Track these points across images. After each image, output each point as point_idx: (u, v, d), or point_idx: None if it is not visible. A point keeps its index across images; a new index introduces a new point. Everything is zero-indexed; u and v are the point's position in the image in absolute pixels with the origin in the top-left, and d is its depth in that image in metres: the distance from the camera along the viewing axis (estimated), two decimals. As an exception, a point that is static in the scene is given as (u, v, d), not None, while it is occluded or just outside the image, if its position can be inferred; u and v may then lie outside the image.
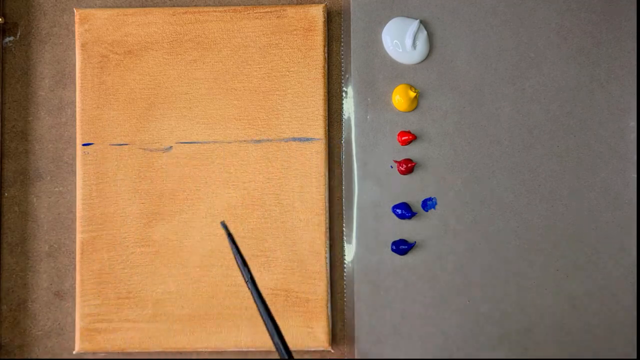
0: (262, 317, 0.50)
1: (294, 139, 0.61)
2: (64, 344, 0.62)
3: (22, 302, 0.62)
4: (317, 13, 0.61)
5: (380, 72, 0.62)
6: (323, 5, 0.61)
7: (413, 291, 0.61)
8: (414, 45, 0.61)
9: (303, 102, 0.61)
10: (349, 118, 0.62)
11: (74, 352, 0.61)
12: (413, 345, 0.60)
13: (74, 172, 0.62)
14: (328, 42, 0.63)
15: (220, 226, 0.52)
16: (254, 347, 0.60)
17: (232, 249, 0.51)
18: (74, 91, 0.63)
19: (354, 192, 0.61)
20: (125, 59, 0.61)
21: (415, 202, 0.61)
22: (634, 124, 0.61)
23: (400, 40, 0.61)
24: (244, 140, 0.61)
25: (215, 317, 0.60)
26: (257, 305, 0.50)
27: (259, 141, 0.61)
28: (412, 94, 0.61)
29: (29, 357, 0.62)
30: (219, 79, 0.61)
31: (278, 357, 0.61)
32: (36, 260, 0.62)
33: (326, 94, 0.61)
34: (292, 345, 0.60)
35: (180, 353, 0.62)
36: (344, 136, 0.62)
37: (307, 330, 0.60)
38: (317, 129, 0.61)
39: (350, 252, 0.61)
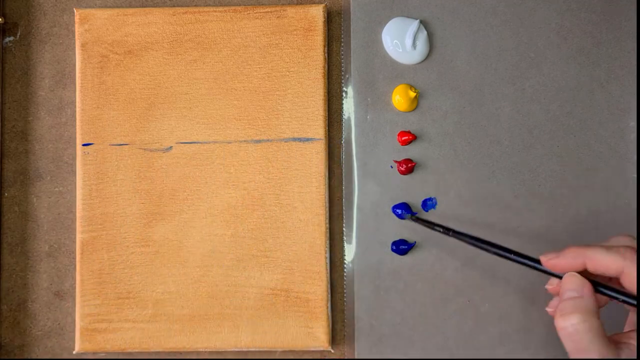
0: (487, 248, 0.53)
1: (294, 139, 0.61)
2: (64, 344, 0.62)
3: (22, 302, 0.62)
4: (317, 13, 0.61)
5: (380, 72, 0.62)
6: (323, 5, 0.61)
7: (413, 291, 0.61)
8: (414, 45, 0.61)
9: (303, 102, 0.61)
10: (349, 118, 0.62)
11: (74, 352, 0.61)
12: (413, 345, 0.60)
13: (74, 172, 0.62)
14: (328, 42, 0.63)
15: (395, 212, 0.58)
16: (254, 347, 0.60)
17: (425, 224, 0.57)
18: (74, 91, 0.63)
19: (354, 192, 0.61)
20: (125, 59, 0.61)
21: (415, 202, 0.61)
22: (634, 124, 0.61)
23: (400, 40, 0.61)
24: (244, 140, 0.61)
25: (215, 317, 0.60)
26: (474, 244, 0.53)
27: (259, 141, 0.61)
28: (412, 94, 0.61)
29: (29, 357, 0.62)
30: (219, 79, 0.61)
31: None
32: (36, 260, 0.62)
33: (326, 94, 0.61)
34: (292, 345, 0.60)
35: (180, 353, 0.62)
36: (344, 136, 0.62)
37: (307, 330, 0.60)
38: (317, 129, 0.61)
39: (350, 252, 0.61)
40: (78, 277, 0.61)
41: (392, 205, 0.61)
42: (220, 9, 0.62)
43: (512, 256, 0.52)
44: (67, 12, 0.63)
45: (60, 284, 0.62)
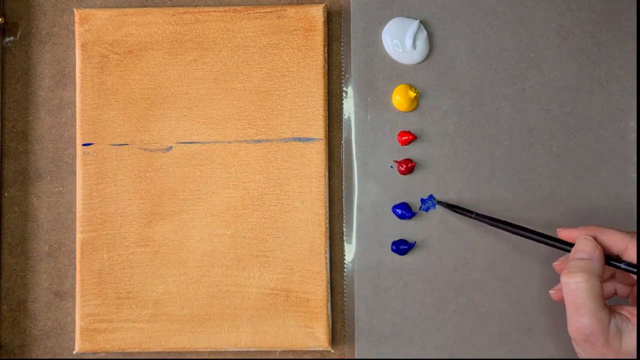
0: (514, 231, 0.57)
1: (294, 139, 0.61)
2: (64, 344, 0.62)
3: (22, 302, 0.62)
4: (317, 13, 0.61)
5: (380, 72, 0.62)
6: (323, 5, 0.61)
7: (413, 291, 0.61)
8: (414, 45, 0.61)
9: (303, 102, 0.61)
10: (349, 118, 0.62)
11: (74, 352, 0.61)
12: (413, 345, 0.60)
13: (74, 172, 0.62)
14: (328, 42, 0.63)
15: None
16: (254, 347, 0.60)
17: (456, 211, 0.60)
18: (74, 91, 0.63)
19: (354, 192, 0.61)
20: (125, 59, 0.61)
21: (416, 202, 0.61)
22: (634, 124, 0.61)
23: (400, 40, 0.61)
24: (244, 140, 0.61)
25: (215, 317, 0.60)
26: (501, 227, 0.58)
27: (259, 141, 0.61)
28: (412, 94, 0.61)
29: (29, 357, 0.62)
30: (219, 79, 0.61)
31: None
32: (36, 260, 0.62)
33: (326, 94, 0.61)
34: (292, 346, 0.60)
35: (180, 353, 0.62)
36: (344, 136, 0.62)
37: (307, 330, 0.60)
38: (317, 129, 0.61)
39: (350, 252, 0.61)
40: (78, 277, 0.61)
41: (392, 205, 0.61)
42: (220, 9, 0.62)
43: (527, 233, 0.56)
44: (67, 12, 0.63)
45: (60, 284, 0.62)
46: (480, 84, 0.61)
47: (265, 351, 0.61)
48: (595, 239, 0.53)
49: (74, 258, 0.62)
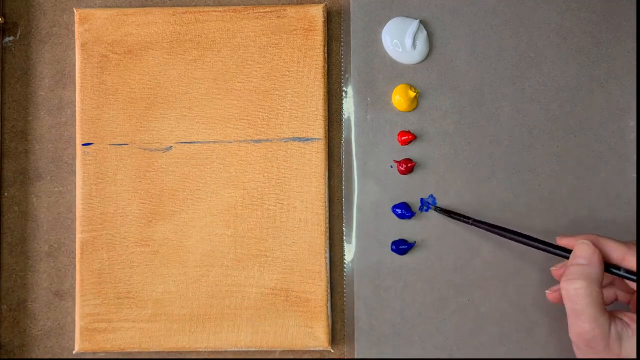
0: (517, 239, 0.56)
1: (294, 139, 0.61)
2: (64, 344, 0.62)
3: (22, 302, 0.62)
4: (317, 13, 0.61)
5: (380, 72, 0.62)
6: (323, 5, 0.61)
7: (413, 291, 0.61)
8: (414, 45, 0.61)
9: (303, 102, 0.61)
10: (349, 118, 0.62)
11: (74, 352, 0.61)
12: (413, 345, 0.60)
13: (74, 172, 0.62)
14: (328, 42, 0.63)
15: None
16: (254, 347, 0.60)
17: (453, 217, 0.59)
18: (74, 91, 0.63)
19: (354, 192, 0.61)
20: (125, 59, 0.61)
21: (416, 202, 0.61)
22: (634, 124, 0.61)
23: (400, 40, 0.61)
24: (244, 140, 0.61)
25: (215, 317, 0.60)
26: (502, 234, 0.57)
27: (259, 141, 0.61)
28: (412, 94, 0.61)
29: (29, 357, 0.62)
30: (219, 79, 0.61)
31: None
32: (36, 260, 0.62)
33: (326, 94, 0.61)
34: (292, 346, 0.60)
35: (180, 353, 0.62)
36: (344, 136, 0.62)
37: (307, 330, 0.60)
38: (317, 129, 0.61)
39: (350, 252, 0.61)
40: (78, 277, 0.61)
41: (392, 205, 0.61)
42: (220, 9, 0.62)
43: (526, 240, 0.55)
44: (67, 12, 0.63)
45: (60, 284, 0.62)
46: (480, 84, 0.61)
47: (265, 351, 0.61)
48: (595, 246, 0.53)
49: (74, 258, 0.62)
